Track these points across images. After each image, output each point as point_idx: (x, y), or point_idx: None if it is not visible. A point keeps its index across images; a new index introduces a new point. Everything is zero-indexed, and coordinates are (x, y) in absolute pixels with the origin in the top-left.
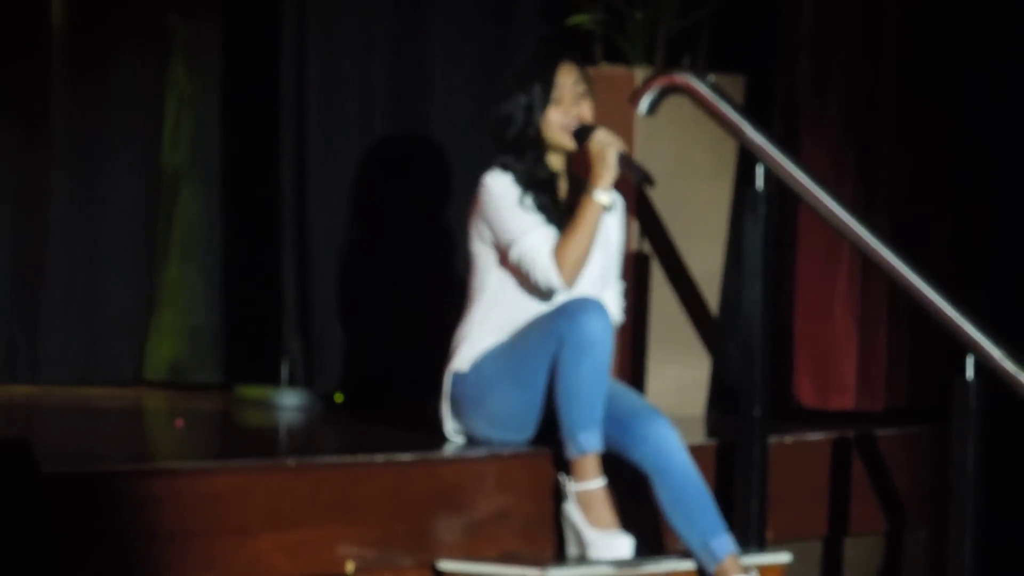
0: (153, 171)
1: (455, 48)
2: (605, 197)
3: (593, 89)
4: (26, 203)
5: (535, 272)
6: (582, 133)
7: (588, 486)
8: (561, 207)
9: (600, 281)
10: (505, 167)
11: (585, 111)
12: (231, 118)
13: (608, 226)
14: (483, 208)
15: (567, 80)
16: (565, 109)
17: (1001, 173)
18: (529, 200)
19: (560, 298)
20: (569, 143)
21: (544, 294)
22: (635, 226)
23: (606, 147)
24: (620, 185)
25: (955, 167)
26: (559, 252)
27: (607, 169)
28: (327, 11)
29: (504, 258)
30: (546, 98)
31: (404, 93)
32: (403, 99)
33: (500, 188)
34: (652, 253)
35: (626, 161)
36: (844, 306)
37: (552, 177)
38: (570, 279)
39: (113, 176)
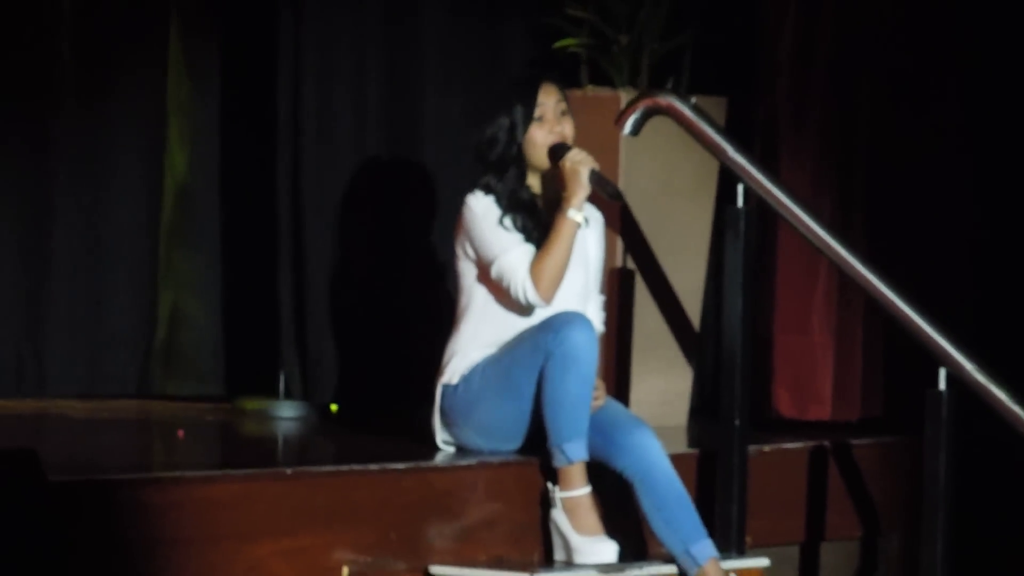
0: (155, 190)
1: (446, 71)
2: (579, 215)
3: (574, 109)
4: (31, 222)
5: (514, 288)
6: (556, 152)
7: (574, 494)
8: (541, 226)
9: (582, 295)
10: (487, 188)
11: (567, 129)
12: (230, 138)
13: (587, 242)
14: (466, 227)
15: (549, 100)
16: (549, 128)
17: (978, 189)
18: (509, 220)
19: (544, 313)
20: (548, 162)
21: (524, 309)
22: (619, 242)
23: (579, 165)
24: (603, 203)
25: (931, 185)
26: (535, 269)
27: (580, 187)
28: (322, 32)
29: (487, 274)
30: (528, 117)
31: (396, 115)
32: (395, 122)
33: (482, 208)
34: (636, 268)
35: (597, 178)
36: (821, 320)
37: (533, 197)
38: (547, 294)
39: (115, 195)
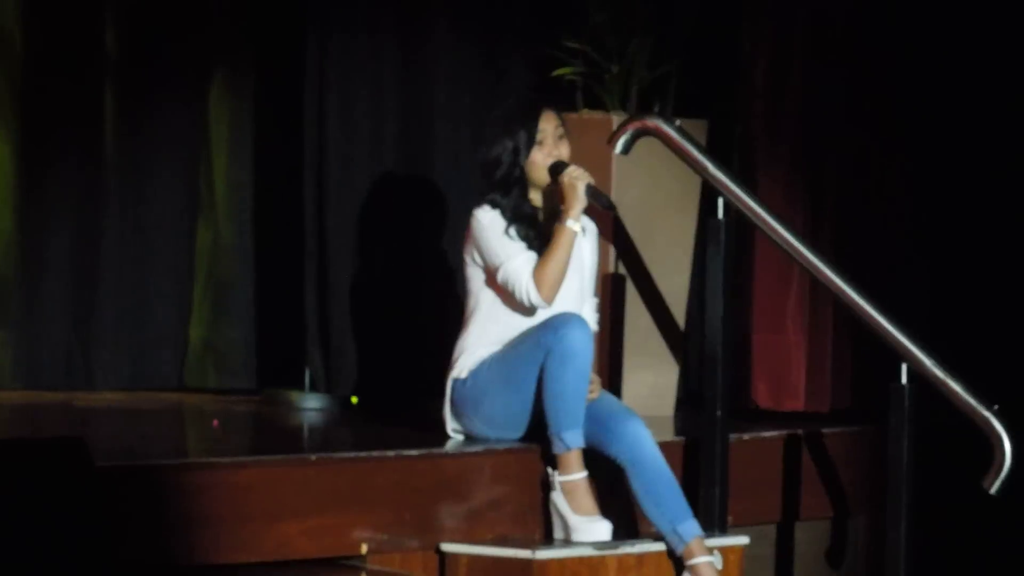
0: (195, 200)
1: (455, 97)
2: (576, 224)
3: (570, 131)
4: (83, 230)
5: (518, 291)
6: (556, 168)
7: (572, 477)
8: (541, 236)
9: (578, 298)
10: (493, 203)
11: (564, 151)
12: (262, 156)
13: (583, 250)
14: (474, 237)
15: (548, 125)
16: (548, 151)
17: (935, 200)
18: (513, 230)
19: (544, 314)
20: (548, 179)
21: (528, 310)
22: (612, 250)
23: (576, 180)
24: (596, 214)
25: (895, 196)
26: (538, 273)
27: (577, 200)
28: (344, 64)
29: (493, 279)
30: (530, 142)
31: (410, 137)
32: (409, 142)
33: (488, 220)
34: (627, 274)
35: (593, 191)
36: (794, 320)
37: (534, 211)
38: (549, 297)
39: (159, 204)
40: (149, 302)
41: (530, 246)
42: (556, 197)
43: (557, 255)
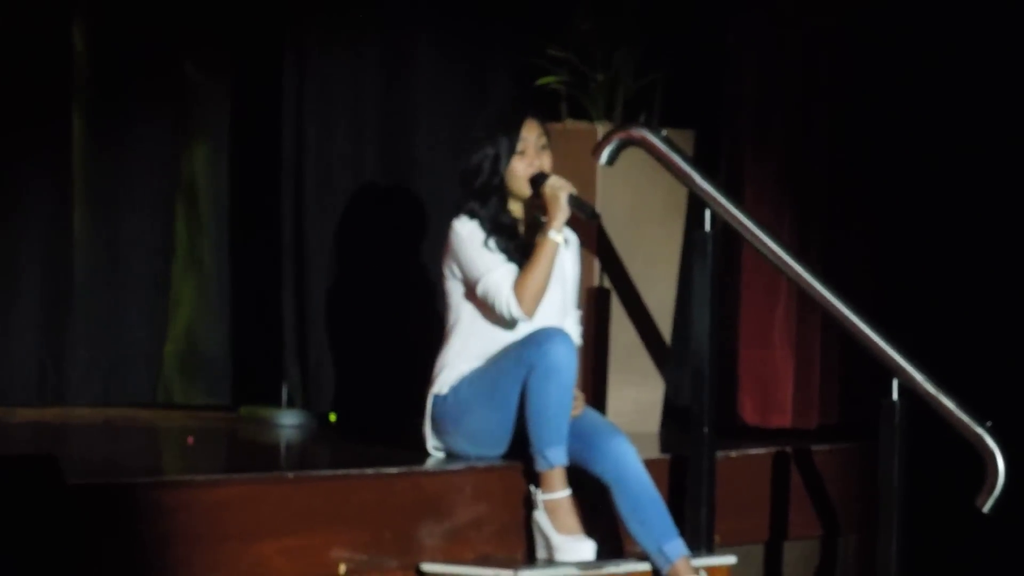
0: (167, 213)
1: (437, 106)
2: (559, 236)
3: (554, 142)
4: (55, 244)
5: (499, 304)
6: (537, 179)
7: (555, 496)
8: (521, 247)
9: (560, 310)
10: (472, 213)
11: (545, 162)
12: (238, 164)
13: (565, 262)
14: (453, 249)
15: (531, 135)
16: (529, 161)
17: (926, 213)
18: (493, 242)
19: (526, 328)
20: (528, 191)
21: (509, 324)
22: (596, 263)
23: (558, 190)
24: (579, 226)
25: (883, 208)
26: (519, 286)
27: (560, 210)
28: (324, 68)
29: (472, 293)
30: (511, 150)
31: (391, 147)
32: (390, 153)
33: (467, 232)
34: (612, 287)
35: (576, 201)
36: (782, 334)
37: (513, 222)
38: (530, 310)
39: (131, 217)
40: (122, 317)
41: (510, 258)
42: (537, 209)
43: (539, 267)
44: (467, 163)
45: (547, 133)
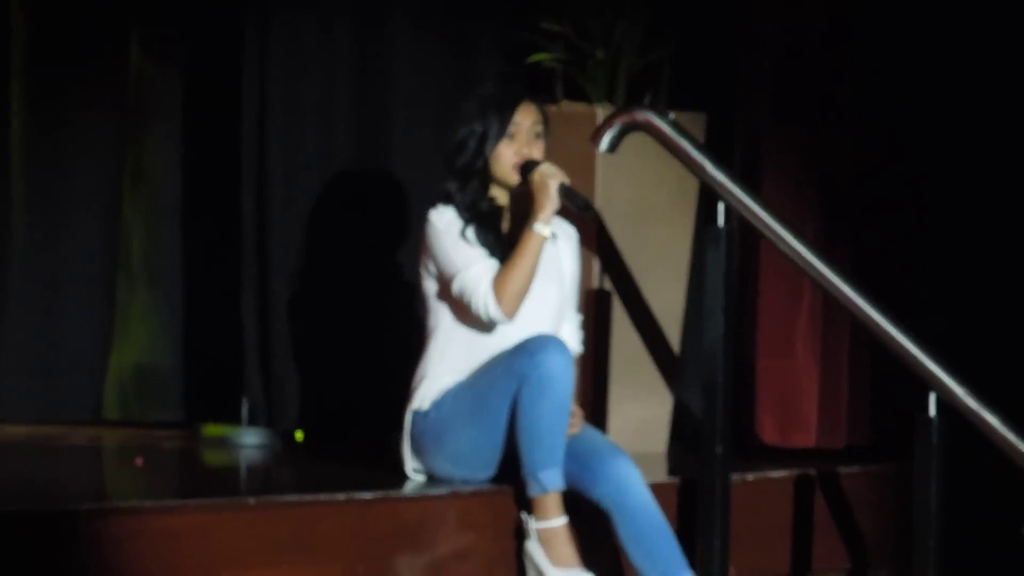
0: (113, 209)
1: (417, 86)
2: (546, 228)
3: (551, 130)
4: None
5: (475, 303)
6: (527, 167)
7: (550, 524)
8: (504, 240)
9: (556, 315)
10: (448, 196)
11: (536, 153)
12: (192, 154)
13: (562, 257)
14: (429, 243)
15: (525, 120)
16: (517, 148)
17: (968, 206)
18: (471, 233)
19: (516, 334)
20: (515, 179)
21: (486, 326)
22: (596, 262)
23: (548, 178)
24: (578, 220)
25: (920, 200)
26: (498, 283)
27: (549, 200)
28: (289, 45)
29: (448, 291)
30: (501, 132)
31: (365, 132)
32: (364, 138)
33: (444, 223)
34: (613, 290)
35: (567, 191)
36: (806, 343)
37: (495, 211)
38: (510, 310)
39: (72, 214)
40: (63, 325)
41: (492, 253)
42: (525, 200)
43: (522, 262)
44: (452, 136)
45: (545, 120)
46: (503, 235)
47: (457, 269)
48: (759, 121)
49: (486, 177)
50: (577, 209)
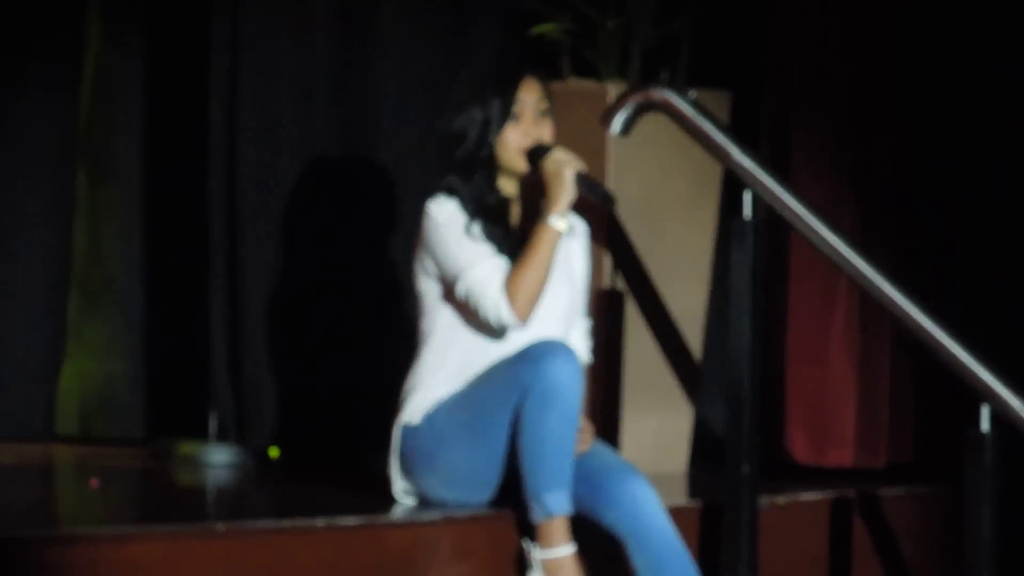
0: (67, 205)
1: (408, 62)
2: (562, 222)
3: (556, 108)
4: None
5: (484, 307)
6: (537, 152)
7: (556, 553)
8: (513, 235)
9: (565, 319)
10: (451, 190)
11: (546, 132)
12: (155, 146)
13: (572, 255)
14: (427, 239)
15: (530, 97)
16: (525, 129)
17: (1014, 199)
18: (477, 228)
19: (519, 340)
20: (524, 165)
21: (496, 332)
22: (608, 260)
23: (563, 166)
24: (588, 212)
25: (968, 196)
26: (511, 284)
27: (564, 191)
28: (263, 20)
29: (452, 293)
30: (505, 115)
31: (349, 115)
32: (348, 122)
33: (445, 216)
34: (627, 290)
35: (585, 181)
36: (841, 349)
37: (503, 203)
38: (523, 314)
39: (21, 211)
40: (9, 332)
41: (500, 249)
42: (536, 189)
43: (536, 260)
44: (448, 126)
45: (549, 96)
46: (512, 229)
47: (461, 268)
48: (790, 101)
49: (492, 167)
50: (597, 201)
